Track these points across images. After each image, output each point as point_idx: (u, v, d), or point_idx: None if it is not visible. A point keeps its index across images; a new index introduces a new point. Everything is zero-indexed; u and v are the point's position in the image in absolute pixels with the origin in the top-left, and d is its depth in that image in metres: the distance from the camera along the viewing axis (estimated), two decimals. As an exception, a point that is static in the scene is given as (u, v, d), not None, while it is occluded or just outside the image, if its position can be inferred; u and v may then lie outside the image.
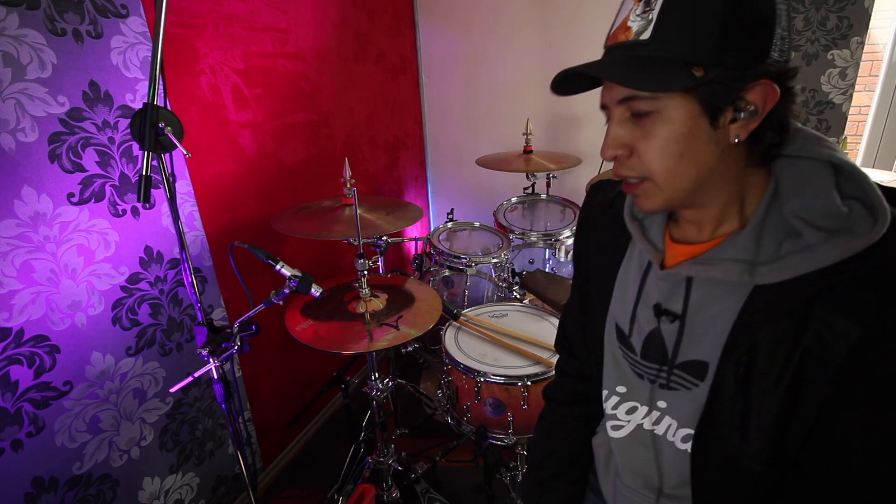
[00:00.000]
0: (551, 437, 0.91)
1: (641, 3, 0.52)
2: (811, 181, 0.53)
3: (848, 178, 0.52)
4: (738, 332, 0.56)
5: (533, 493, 0.91)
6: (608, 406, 0.76)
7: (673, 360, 0.64)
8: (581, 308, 0.84)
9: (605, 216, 0.77)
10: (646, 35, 0.52)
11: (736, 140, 0.53)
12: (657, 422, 0.69)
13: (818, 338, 0.50)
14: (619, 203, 0.73)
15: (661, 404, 0.68)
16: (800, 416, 0.53)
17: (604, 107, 0.59)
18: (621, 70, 0.54)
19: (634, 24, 0.53)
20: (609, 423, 0.76)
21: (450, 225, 2.08)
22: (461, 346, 1.43)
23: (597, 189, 0.83)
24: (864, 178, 0.52)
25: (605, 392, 0.76)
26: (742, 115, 0.52)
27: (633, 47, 0.53)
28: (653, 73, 0.52)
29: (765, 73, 0.51)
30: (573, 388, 0.90)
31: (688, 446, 0.65)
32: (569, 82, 0.58)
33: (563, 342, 0.93)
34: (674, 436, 0.67)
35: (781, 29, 0.50)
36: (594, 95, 0.60)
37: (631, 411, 0.73)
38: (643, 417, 0.70)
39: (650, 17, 0.51)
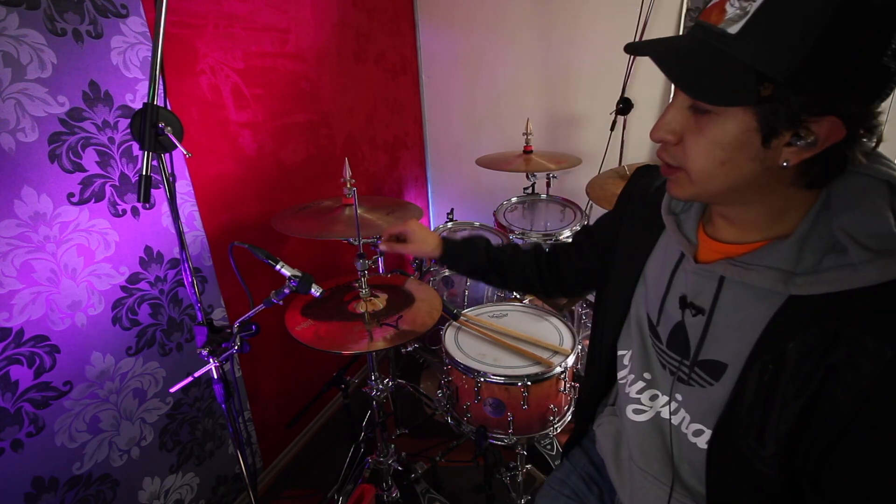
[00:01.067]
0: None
1: None
2: (865, 199, 0.51)
3: None
4: (767, 339, 0.56)
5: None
6: (632, 390, 0.77)
7: (695, 357, 0.65)
8: (601, 282, 0.87)
9: (642, 203, 0.77)
10: (735, 28, 0.48)
11: (784, 164, 0.51)
12: (675, 412, 0.70)
13: (848, 356, 0.49)
14: (658, 195, 0.73)
15: (678, 397, 0.69)
16: (815, 427, 0.53)
17: None
18: (688, 69, 0.52)
19: (731, 10, 0.48)
20: (631, 407, 0.77)
21: (450, 225, 2.08)
22: (461, 346, 1.43)
23: (641, 174, 0.82)
24: None
25: (630, 376, 0.78)
26: (800, 142, 0.49)
27: (719, 37, 0.49)
28: (720, 81, 0.49)
29: (838, 110, 0.47)
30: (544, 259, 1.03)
31: (698, 440, 0.66)
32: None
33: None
34: (686, 428, 0.68)
35: (884, 68, 0.45)
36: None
37: (654, 398, 0.74)
38: (663, 406, 0.72)
39: (748, 9, 0.47)
